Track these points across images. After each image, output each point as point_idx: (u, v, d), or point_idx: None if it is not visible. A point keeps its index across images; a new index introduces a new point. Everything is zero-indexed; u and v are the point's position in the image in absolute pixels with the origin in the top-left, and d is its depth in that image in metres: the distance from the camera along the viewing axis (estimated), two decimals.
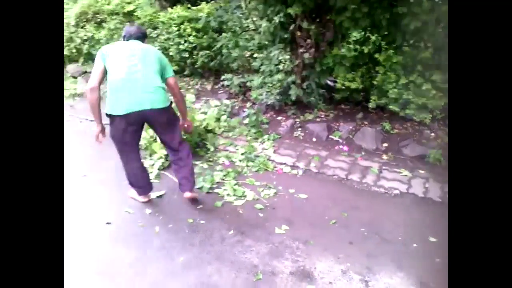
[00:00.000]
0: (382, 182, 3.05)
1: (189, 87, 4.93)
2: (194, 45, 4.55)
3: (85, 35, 5.11)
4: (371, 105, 3.63)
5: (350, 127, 3.77)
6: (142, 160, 2.64)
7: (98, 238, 2.38)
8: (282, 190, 2.95)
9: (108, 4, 4.90)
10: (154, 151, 3.34)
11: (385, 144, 3.56)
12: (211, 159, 3.44)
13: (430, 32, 2.92)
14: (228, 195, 2.87)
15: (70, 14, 5.17)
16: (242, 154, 3.49)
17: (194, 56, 4.66)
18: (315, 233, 2.43)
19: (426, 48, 3.20)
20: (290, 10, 3.00)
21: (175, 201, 2.81)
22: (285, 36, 3.39)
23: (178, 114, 2.70)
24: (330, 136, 3.76)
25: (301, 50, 3.36)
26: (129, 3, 4.88)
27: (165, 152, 3.20)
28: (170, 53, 4.75)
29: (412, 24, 2.82)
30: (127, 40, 2.47)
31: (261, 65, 3.90)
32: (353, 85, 3.58)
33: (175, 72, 5.14)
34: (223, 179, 3.09)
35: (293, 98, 3.73)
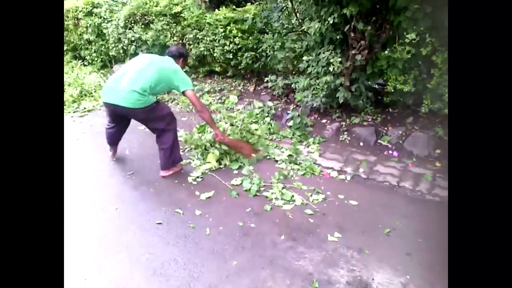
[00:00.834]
0: (437, 191, 2.90)
1: (232, 88, 4.95)
2: (239, 46, 4.55)
3: (133, 36, 5.25)
4: (423, 109, 3.47)
5: (400, 132, 3.63)
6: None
7: (151, 239, 2.42)
8: (331, 196, 2.88)
9: (156, 6, 5.00)
10: (207, 160, 3.35)
11: (438, 151, 3.39)
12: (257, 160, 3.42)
13: None
14: (276, 198, 2.84)
15: (119, 16, 5.33)
16: (287, 157, 3.45)
17: (238, 58, 4.67)
18: (369, 241, 2.34)
19: None
20: (346, 11, 2.91)
21: (224, 202, 2.81)
22: (337, 37, 3.30)
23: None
24: (379, 141, 3.64)
25: (353, 51, 3.27)
26: (176, 4, 4.96)
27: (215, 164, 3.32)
28: (215, 55, 4.78)
29: None
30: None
31: (308, 66, 3.83)
32: (406, 88, 3.43)
33: (218, 73, 5.21)
34: (271, 182, 3.05)
35: (341, 100, 3.64)
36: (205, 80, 5.26)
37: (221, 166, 3.32)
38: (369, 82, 3.57)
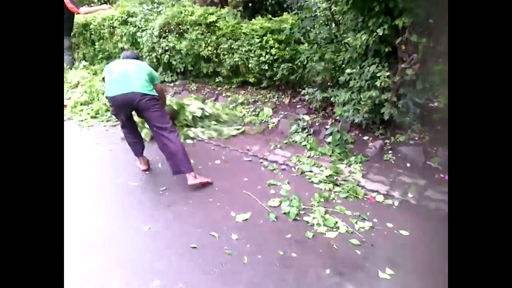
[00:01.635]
0: None
1: (266, 100, 4.78)
2: (275, 57, 4.38)
3: (167, 46, 5.19)
4: None
5: None
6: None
7: (185, 265, 2.26)
8: (379, 224, 2.63)
9: (191, 15, 4.92)
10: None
11: None
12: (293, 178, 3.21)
13: None
14: (318, 224, 2.62)
15: (154, 25, 5.30)
16: (327, 177, 3.22)
17: (274, 69, 4.50)
18: (429, 282, 2.08)
19: None
20: (398, 22, 2.68)
21: (262, 226, 2.62)
22: (385, 49, 3.06)
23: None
24: (428, 162, 3.35)
25: (402, 65, 3.02)
26: (211, 13, 4.86)
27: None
28: (250, 65, 4.64)
29: None
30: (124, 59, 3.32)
31: (349, 80, 3.60)
32: None
33: (251, 84, 5.06)
34: (311, 205, 2.84)
35: (386, 117, 3.38)
36: (238, 91, 5.12)
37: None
38: (418, 98, 3.29)
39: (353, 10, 3.11)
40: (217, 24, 4.76)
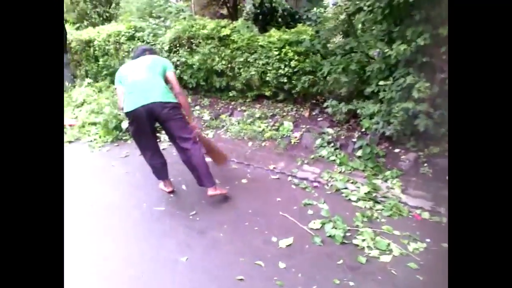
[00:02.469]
0: None
1: (285, 113, 4.62)
2: (295, 69, 4.24)
3: (178, 60, 5.03)
4: None
5: None
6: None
7: None
8: (433, 244, 2.45)
9: (203, 29, 4.78)
10: None
11: None
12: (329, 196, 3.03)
13: None
14: (369, 247, 2.43)
15: (164, 39, 5.14)
16: (365, 194, 3.05)
17: (293, 81, 4.36)
18: None
19: None
20: (442, 30, 2.56)
21: (308, 252, 2.42)
22: (423, 59, 2.93)
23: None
24: None
25: (442, 75, 2.89)
26: (224, 27, 4.73)
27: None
28: (267, 78, 4.49)
29: None
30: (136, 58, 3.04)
31: (378, 91, 3.47)
32: None
33: (267, 97, 4.91)
34: (356, 226, 2.66)
35: (421, 129, 3.24)
36: (253, 104, 4.96)
37: None
38: None
39: (388, 19, 2.99)
40: (231, 38, 4.62)
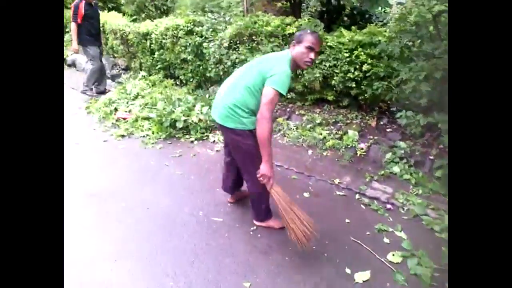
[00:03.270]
0: None
1: (349, 121, 4.24)
2: (366, 74, 3.85)
3: (237, 58, 4.80)
4: None
5: None
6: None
7: None
8: None
9: (267, 26, 4.50)
10: None
11: None
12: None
13: None
14: None
15: (223, 35, 4.93)
16: None
17: (362, 87, 3.97)
18: None
19: None
20: None
21: None
22: None
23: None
24: None
25: None
26: (289, 24, 4.42)
27: None
28: (333, 82, 4.13)
29: None
30: None
31: None
32: None
33: (328, 102, 4.56)
34: (445, 264, 2.26)
35: None
36: (313, 109, 4.62)
37: None
38: None
39: None
40: None
